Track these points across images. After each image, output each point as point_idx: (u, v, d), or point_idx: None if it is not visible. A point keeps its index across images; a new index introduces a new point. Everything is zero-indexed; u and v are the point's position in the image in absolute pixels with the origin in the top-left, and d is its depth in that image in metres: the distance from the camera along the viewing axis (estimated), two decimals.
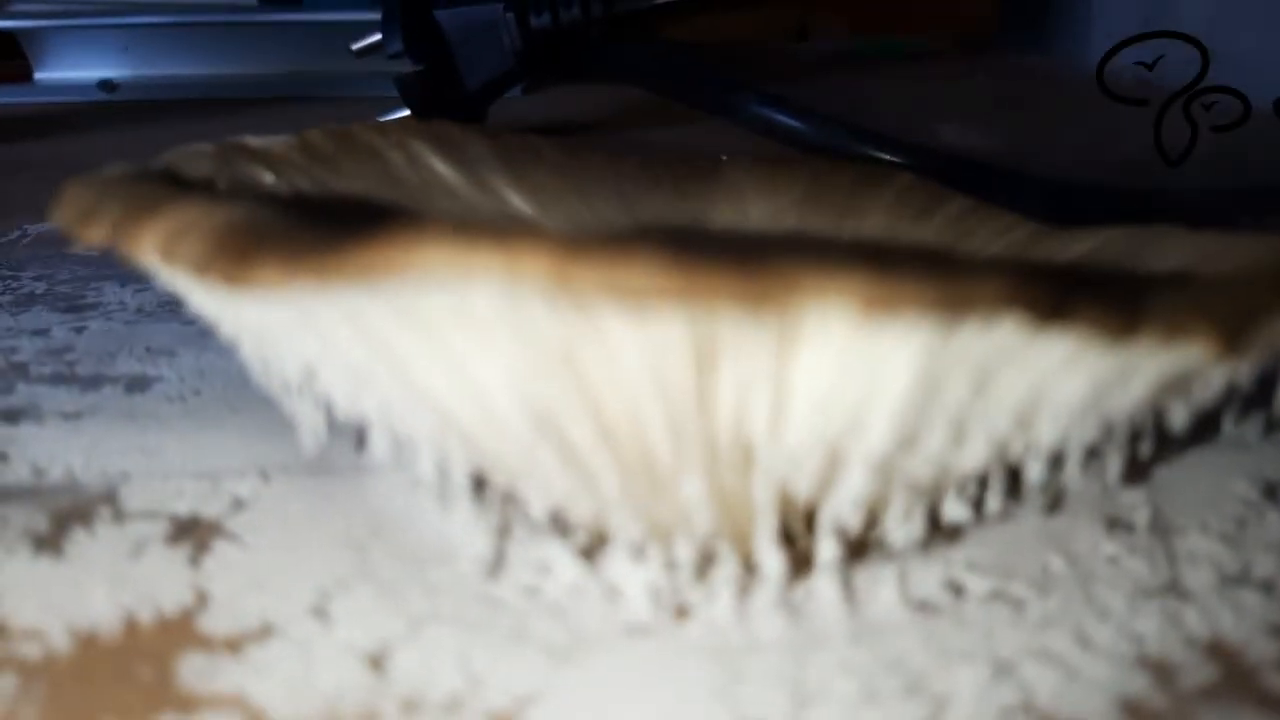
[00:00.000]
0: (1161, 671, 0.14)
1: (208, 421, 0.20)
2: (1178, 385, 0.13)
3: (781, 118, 0.37)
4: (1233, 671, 0.14)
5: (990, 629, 0.14)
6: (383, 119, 0.53)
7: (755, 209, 0.24)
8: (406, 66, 0.51)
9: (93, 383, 0.22)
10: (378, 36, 0.51)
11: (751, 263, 0.09)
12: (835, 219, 0.23)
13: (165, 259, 0.11)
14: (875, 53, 0.76)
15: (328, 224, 0.11)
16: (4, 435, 0.20)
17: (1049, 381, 0.11)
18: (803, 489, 0.13)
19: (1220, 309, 0.10)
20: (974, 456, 0.13)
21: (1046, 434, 0.13)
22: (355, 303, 0.11)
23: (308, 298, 0.11)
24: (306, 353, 0.14)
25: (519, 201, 0.23)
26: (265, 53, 0.75)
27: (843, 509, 0.13)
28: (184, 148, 0.19)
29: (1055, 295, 0.10)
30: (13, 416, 0.20)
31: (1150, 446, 0.16)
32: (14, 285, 0.31)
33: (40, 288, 0.31)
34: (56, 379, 0.23)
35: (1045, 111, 0.57)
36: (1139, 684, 0.13)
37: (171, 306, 0.29)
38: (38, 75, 0.78)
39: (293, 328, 0.13)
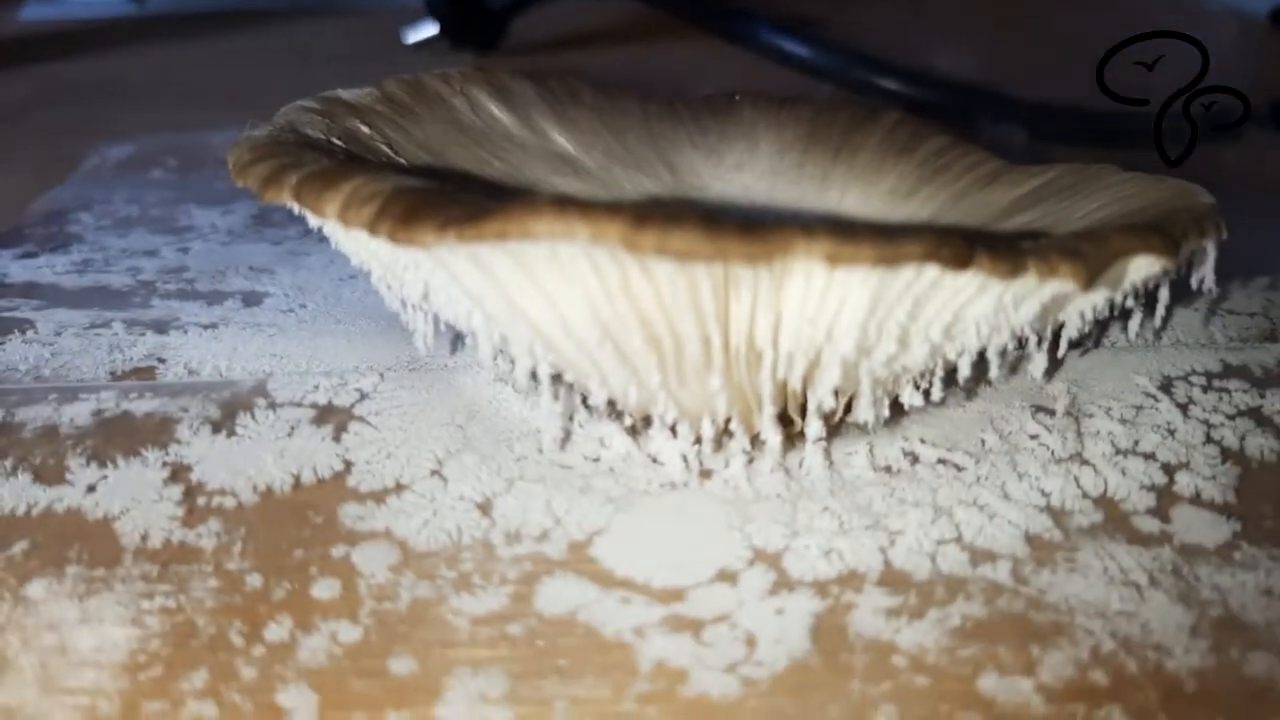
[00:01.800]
0: (1059, 515, 0.19)
1: (320, 330, 0.25)
2: (1059, 306, 0.17)
3: (788, 44, 0.40)
4: (1112, 515, 0.19)
5: (935, 486, 0.19)
6: (412, 35, 0.57)
7: (765, 143, 0.28)
8: None
9: (214, 297, 0.27)
10: None
11: (758, 233, 0.14)
12: (832, 154, 0.27)
13: (342, 221, 0.16)
14: None
15: (465, 197, 0.16)
16: (158, 343, 0.24)
17: (965, 305, 0.16)
18: (795, 382, 0.18)
19: (1082, 256, 0.15)
20: (918, 358, 0.18)
21: (969, 341, 0.17)
22: (482, 253, 0.16)
23: (449, 251, 0.16)
24: (429, 280, 0.18)
25: (562, 140, 0.27)
26: None
27: (824, 396, 0.18)
28: (291, 106, 0.23)
29: (963, 252, 0.14)
30: (160, 327, 0.25)
31: (1066, 350, 0.20)
32: (110, 210, 0.35)
33: (134, 211, 0.35)
34: (183, 294, 0.27)
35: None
36: (1041, 524, 0.19)
37: (257, 228, 0.33)
38: None
39: (427, 264, 0.18)
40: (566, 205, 0.15)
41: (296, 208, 0.18)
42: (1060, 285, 0.15)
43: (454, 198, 0.16)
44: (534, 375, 0.19)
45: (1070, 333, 0.19)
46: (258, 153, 0.18)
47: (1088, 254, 0.15)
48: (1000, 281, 0.15)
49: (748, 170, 0.28)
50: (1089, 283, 0.15)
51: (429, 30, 0.55)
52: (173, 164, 0.39)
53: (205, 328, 0.25)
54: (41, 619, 0.17)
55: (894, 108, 0.29)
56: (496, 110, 0.27)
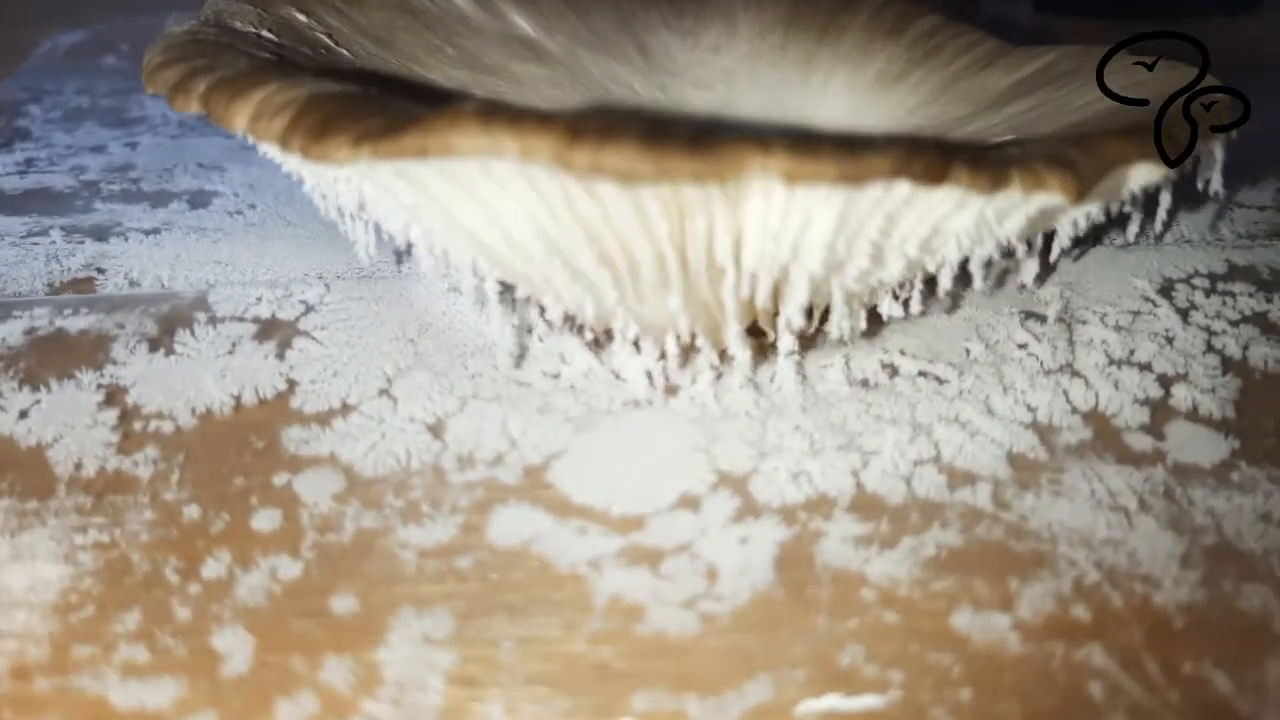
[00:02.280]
0: (1046, 432, 0.18)
1: (268, 234, 0.24)
2: (1048, 218, 0.16)
3: None
4: (1102, 432, 0.18)
5: (915, 401, 0.18)
6: None
7: (744, 23, 0.26)
8: None
9: (159, 199, 0.26)
10: None
11: (706, 148, 0.12)
12: (816, 35, 0.25)
13: (252, 134, 0.14)
14: None
15: (389, 103, 0.14)
16: (98, 251, 0.23)
17: (943, 220, 0.15)
18: (762, 299, 0.16)
19: (1073, 166, 0.14)
20: (893, 272, 0.16)
21: (950, 254, 0.16)
22: (408, 168, 0.14)
23: (367, 166, 0.14)
24: (363, 190, 0.17)
25: (523, 23, 0.25)
26: None
27: (794, 314, 0.17)
28: (198, 43, 0.21)
29: (937, 166, 0.13)
30: (100, 234, 0.24)
31: (1058, 255, 0.19)
32: (60, 100, 0.33)
33: (85, 102, 0.33)
34: (127, 196, 0.26)
35: None
36: (1026, 442, 0.17)
37: (208, 121, 0.31)
38: None
39: (355, 177, 0.16)
40: (493, 117, 0.13)
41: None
42: (1048, 198, 0.14)
43: (375, 105, 0.14)
44: (482, 290, 0.18)
45: (1062, 240, 0.17)
46: (169, 54, 0.17)
47: (1079, 164, 0.14)
48: (980, 196, 0.13)
49: (726, 53, 0.26)
50: (1080, 196, 0.14)
51: None
52: (125, 49, 0.37)
53: (147, 234, 0.24)
54: None
55: None
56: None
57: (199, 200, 0.25)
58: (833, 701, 0.14)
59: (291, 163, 0.17)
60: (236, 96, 0.15)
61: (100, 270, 0.22)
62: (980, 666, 0.14)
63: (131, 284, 0.22)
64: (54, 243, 0.23)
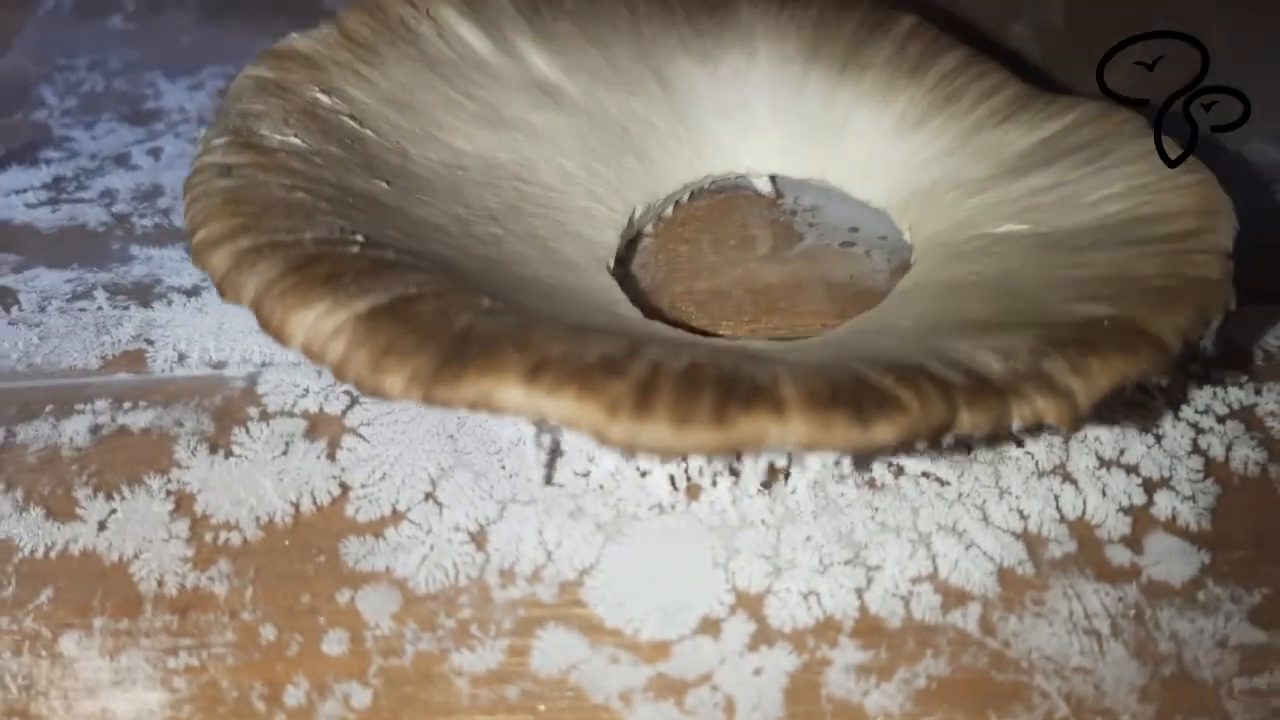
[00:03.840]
0: (1034, 544, 0.19)
1: None
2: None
3: None
4: (1085, 543, 0.19)
5: (917, 505, 0.20)
6: None
7: (764, 51, 0.26)
8: None
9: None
10: None
11: (728, 425, 0.14)
12: (838, 71, 0.25)
13: (307, 355, 0.15)
14: None
15: (433, 334, 0.15)
16: (144, 319, 0.24)
17: None
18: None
19: (1070, 398, 0.15)
20: None
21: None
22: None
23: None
24: None
25: (542, 64, 0.25)
26: None
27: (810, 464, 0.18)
28: (245, 81, 0.21)
29: (944, 423, 0.14)
30: (143, 296, 0.25)
31: None
32: (73, 78, 0.33)
33: (99, 83, 0.33)
34: (161, 236, 0.26)
35: None
36: (1015, 556, 0.19)
37: None
38: None
39: None
40: (535, 381, 0.14)
41: None
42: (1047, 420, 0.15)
43: (424, 331, 0.15)
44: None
45: None
46: (212, 229, 0.17)
47: (1076, 395, 0.15)
48: (992, 422, 0.15)
49: (746, 80, 0.26)
50: (1076, 426, 0.15)
51: None
52: (131, 7, 0.36)
53: (188, 296, 0.25)
54: (79, 681, 0.18)
55: (905, 12, 0.26)
56: (467, 34, 0.24)
57: None
58: None
59: None
60: (288, 317, 0.16)
61: (149, 341, 0.24)
62: None
63: (181, 356, 0.23)
64: (100, 309, 0.24)
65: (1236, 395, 0.21)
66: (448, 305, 0.16)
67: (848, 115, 0.25)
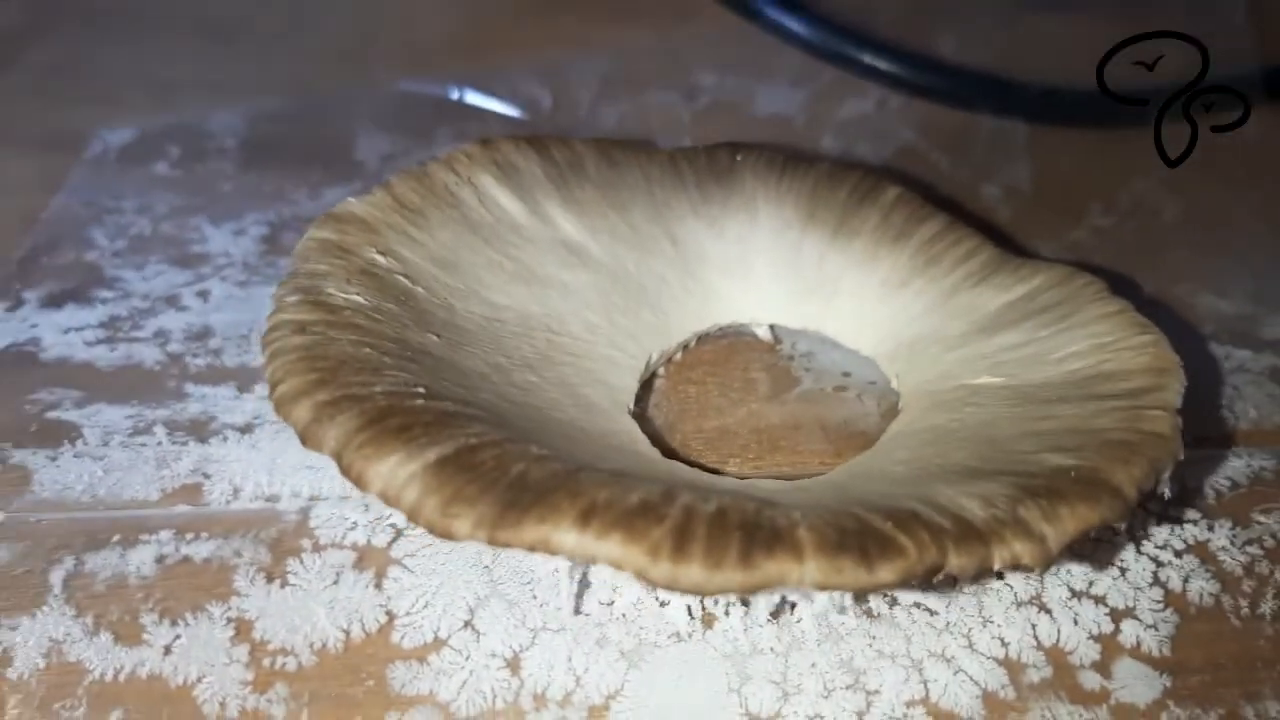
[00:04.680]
0: (1014, 669, 0.22)
1: None
2: None
3: (791, 23, 0.39)
4: (1060, 668, 0.22)
5: (910, 634, 0.22)
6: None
7: (764, 217, 0.29)
8: None
9: (244, 378, 0.29)
10: None
11: (754, 567, 0.16)
12: (829, 236, 0.28)
13: (384, 500, 0.18)
14: None
15: (494, 482, 0.17)
16: (201, 455, 0.26)
17: None
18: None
19: (1043, 541, 0.17)
20: None
21: None
22: None
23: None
24: None
25: (569, 227, 0.28)
26: None
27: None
28: (309, 244, 0.24)
29: (936, 567, 0.16)
30: (200, 432, 0.27)
31: None
32: (121, 221, 0.36)
33: (146, 227, 0.36)
34: (214, 376, 0.29)
35: None
36: (998, 681, 0.21)
37: (269, 258, 0.34)
38: None
39: None
40: (586, 526, 0.16)
41: None
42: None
43: (487, 480, 0.17)
44: None
45: None
46: (292, 385, 0.20)
47: (1048, 539, 0.17)
48: (976, 568, 0.17)
49: (748, 244, 0.29)
50: (1046, 566, 0.17)
51: None
52: (176, 154, 0.40)
53: (241, 433, 0.27)
54: None
55: (891, 183, 0.29)
56: (503, 199, 0.27)
57: None
58: None
59: None
60: (367, 467, 0.18)
61: (206, 475, 0.26)
62: None
63: (236, 491, 0.25)
64: (160, 443, 0.27)
65: (1192, 531, 0.24)
66: (504, 454, 0.18)
67: (839, 277, 0.28)
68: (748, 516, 0.17)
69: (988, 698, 0.21)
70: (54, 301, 0.32)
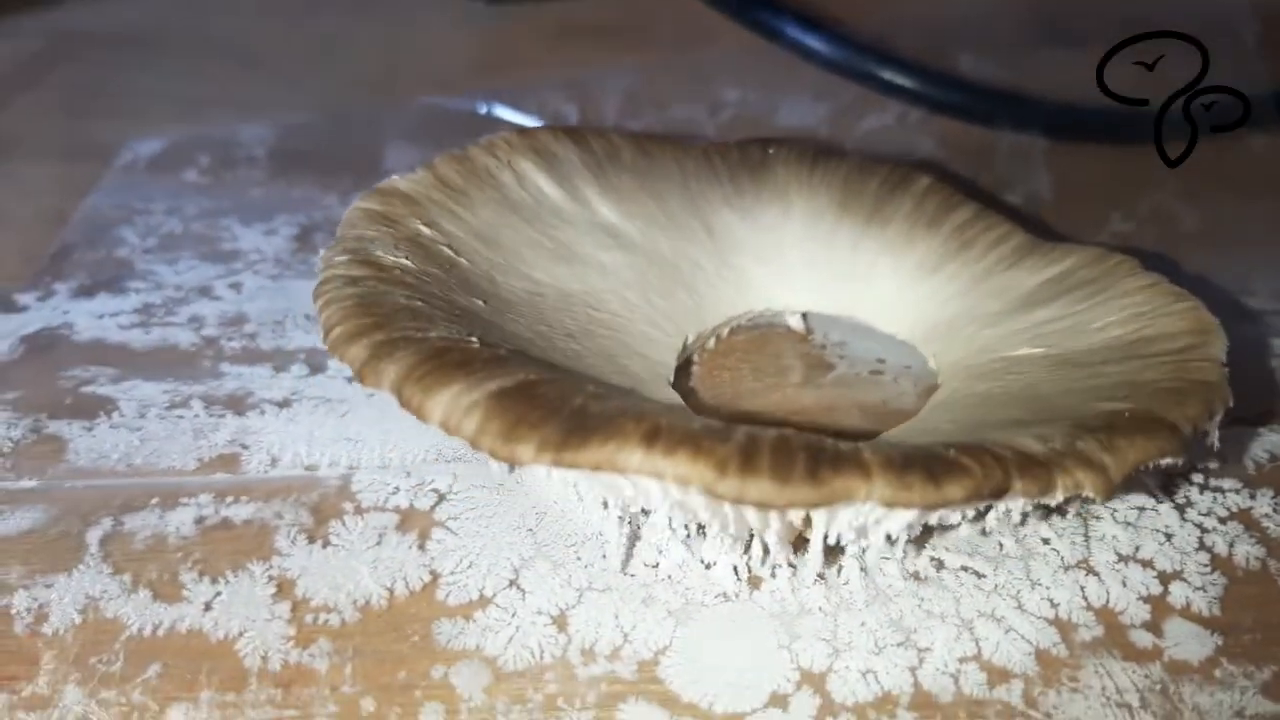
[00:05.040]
0: (1065, 629, 0.21)
1: (385, 407, 0.27)
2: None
3: (812, 41, 0.40)
4: (1111, 628, 0.21)
5: (959, 595, 0.22)
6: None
7: (798, 208, 0.29)
8: None
9: (280, 360, 0.29)
10: None
11: (823, 483, 0.16)
12: (863, 224, 0.29)
13: (445, 430, 0.18)
14: None
15: (556, 409, 0.17)
16: (239, 427, 0.26)
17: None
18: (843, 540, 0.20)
19: (1104, 470, 0.17)
20: (954, 519, 0.20)
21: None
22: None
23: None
24: None
25: (606, 211, 0.28)
26: None
27: (869, 546, 0.20)
28: (355, 212, 0.25)
29: (1001, 488, 0.16)
30: (238, 405, 0.27)
31: None
32: (153, 223, 0.36)
33: (177, 226, 0.36)
34: (250, 357, 0.29)
35: None
36: (1049, 639, 0.21)
37: (302, 255, 0.34)
38: None
39: None
40: (654, 443, 0.16)
41: None
42: (1084, 491, 0.18)
43: (548, 406, 0.17)
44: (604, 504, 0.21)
45: None
46: (348, 326, 0.20)
47: (1110, 468, 0.17)
48: (1038, 494, 0.17)
49: (782, 232, 0.29)
50: (1109, 495, 0.17)
51: None
52: (205, 163, 0.40)
53: (280, 406, 0.27)
54: None
55: (922, 174, 0.30)
56: (543, 183, 0.28)
57: (316, 363, 0.29)
58: None
59: None
60: (427, 397, 0.18)
61: (244, 446, 0.26)
62: None
63: (274, 461, 0.25)
64: (197, 416, 0.26)
65: (1234, 499, 0.24)
66: (564, 388, 0.18)
67: (874, 262, 0.28)
68: (811, 442, 0.17)
69: (1040, 654, 0.21)
70: (86, 292, 0.32)
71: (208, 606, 0.22)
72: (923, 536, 0.23)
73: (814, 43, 0.40)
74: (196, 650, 0.21)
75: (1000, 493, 0.17)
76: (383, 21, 0.54)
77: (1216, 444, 0.21)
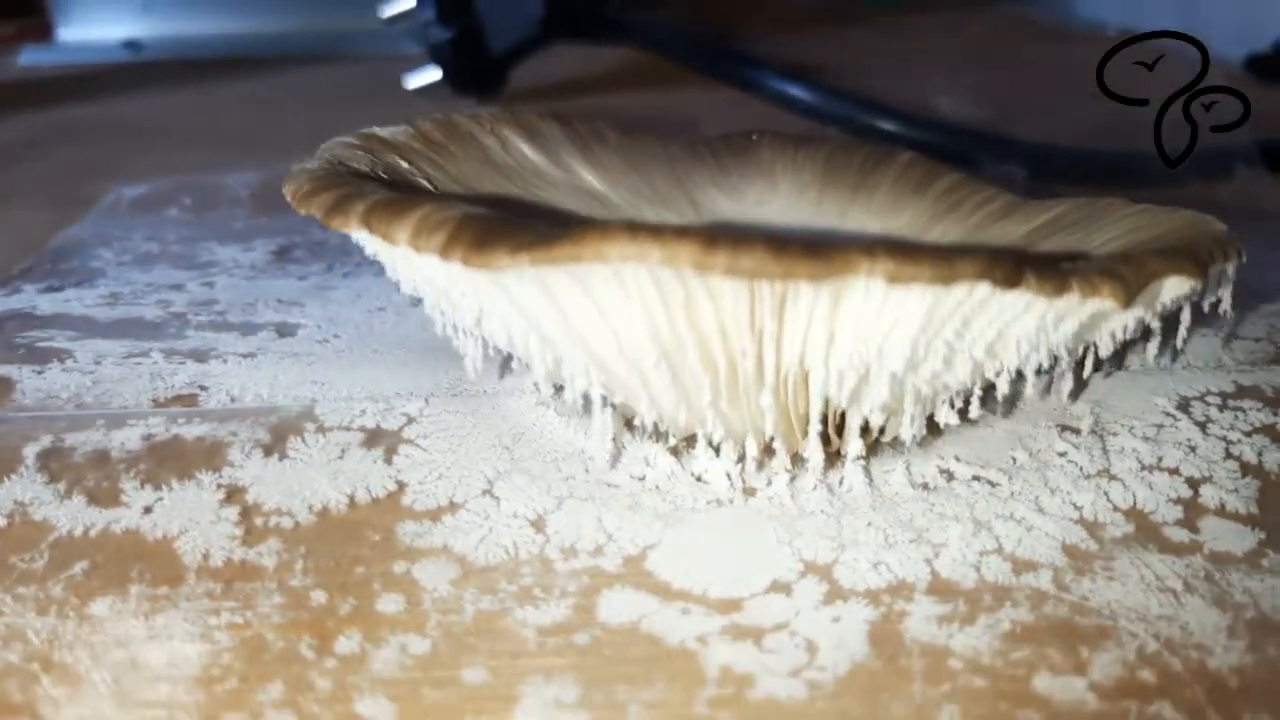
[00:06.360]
0: (1093, 527, 0.19)
1: (357, 360, 0.26)
2: (1095, 324, 0.18)
3: (792, 90, 0.41)
4: (1143, 526, 0.20)
5: (972, 501, 0.20)
6: (414, 80, 0.57)
7: (783, 182, 0.29)
8: (429, 18, 0.55)
9: (248, 329, 0.28)
10: (410, 4, 0.55)
11: (823, 253, 0.15)
12: (849, 193, 0.28)
13: (414, 248, 0.17)
14: (877, 3, 0.80)
15: (532, 224, 0.16)
16: (199, 371, 0.25)
17: (1009, 324, 0.17)
18: (842, 400, 0.19)
19: (1121, 277, 0.16)
20: (960, 375, 0.18)
21: (1009, 359, 0.18)
22: (547, 277, 0.17)
23: (517, 275, 0.17)
24: (483, 306, 0.19)
25: (590, 178, 0.28)
26: (285, 11, 0.79)
27: (870, 414, 0.19)
28: (333, 142, 0.24)
29: (1013, 273, 0.15)
30: (199, 356, 0.26)
31: (1091, 371, 0.21)
32: (130, 246, 0.36)
33: (155, 248, 0.36)
34: (216, 326, 0.28)
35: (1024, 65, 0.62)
36: (1077, 535, 0.19)
37: (280, 264, 0.34)
38: (61, 33, 0.81)
39: (486, 290, 0.18)
40: (638, 229, 0.15)
41: (358, 236, 0.19)
42: (1100, 304, 0.16)
43: (522, 224, 0.16)
44: (585, 397, 0.19)
45: (1103, 351, 0.20)
46: (317, 183, 0.19)
47: (1126, 275, 0.16)
48: (1045, 300, 0.16)
49: (768, 206, 0.29)
50: (1128, 302, 0.16)
51: (431, 76, 0.56)
52: (188, 203, 0.40)
53: (244, 357, 0.26)
54: (109, 635, 0.17)
55: (902, 149, 0.30)
56: (527, 149, 0.28)
57: (285, 330, 0.27)
58: None
59: (420, 278, 0.20)
60: (396, 216, 0.17)
61: (203, 387, 0.24)
62: None
63: (233, 399, 0.24)
64: (155, 363, 0.25)
65: (1256, 417, 0.23)
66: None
67: (862, 227, 0.28)
68: (807, 242, 0.16)
69: (1068, 549, 0.19)
70: (54, 289, 0.31)
71: (147, 510, 0.20)
72: (927, 447, 0.21)
73: (793, 90, 0.41)
74: (130, 549, 0.19)
75: (1012, 280, 0.15)
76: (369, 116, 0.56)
77: (1229, 309, 0.20)
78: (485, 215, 0.17)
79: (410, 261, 0.19)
